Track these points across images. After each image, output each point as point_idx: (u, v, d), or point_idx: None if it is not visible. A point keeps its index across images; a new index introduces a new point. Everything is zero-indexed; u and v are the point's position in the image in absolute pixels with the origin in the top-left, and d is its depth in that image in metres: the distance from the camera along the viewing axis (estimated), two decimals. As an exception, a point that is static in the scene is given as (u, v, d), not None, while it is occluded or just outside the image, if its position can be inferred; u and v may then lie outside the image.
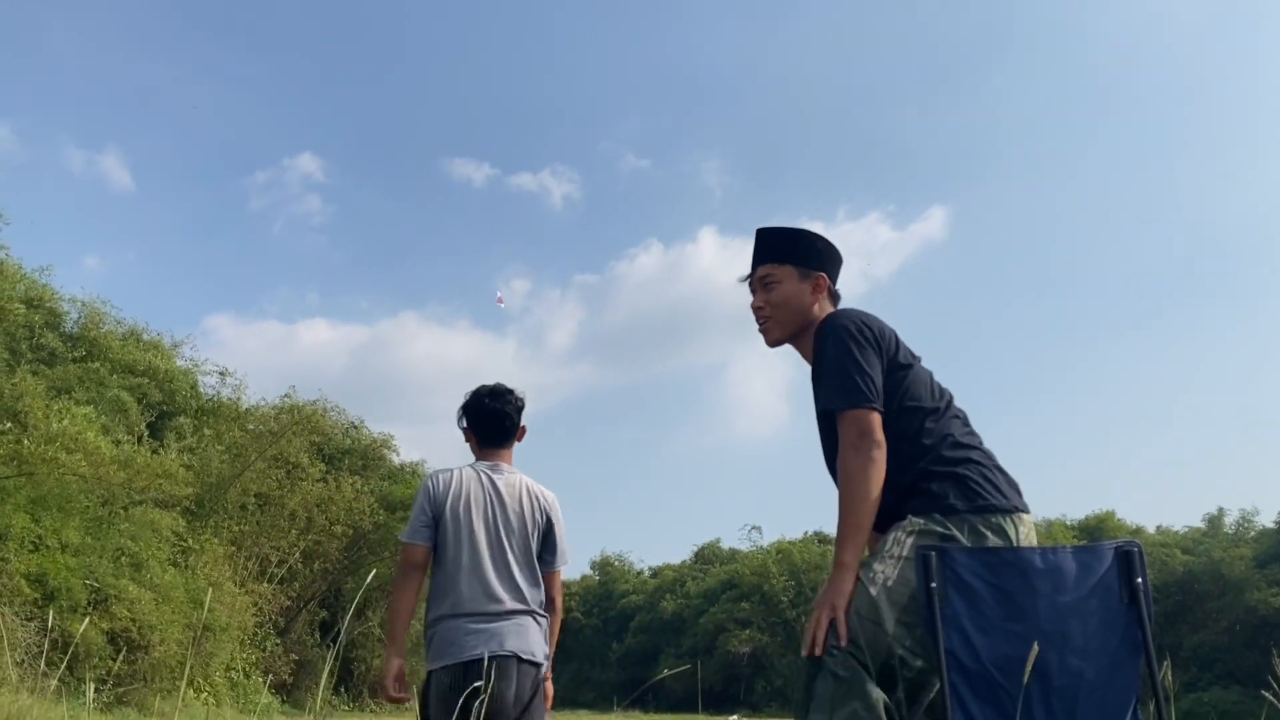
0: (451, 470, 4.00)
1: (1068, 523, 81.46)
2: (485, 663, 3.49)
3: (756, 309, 3.41)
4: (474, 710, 3.33)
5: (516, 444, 4.21)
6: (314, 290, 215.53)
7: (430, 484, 3.97)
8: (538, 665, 3.78)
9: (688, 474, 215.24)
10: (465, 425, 4.22)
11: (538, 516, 3.97)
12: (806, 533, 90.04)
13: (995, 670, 2.31)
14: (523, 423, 4.17)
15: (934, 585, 2.45)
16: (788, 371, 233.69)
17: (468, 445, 4.24)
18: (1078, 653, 2.35)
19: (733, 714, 63.96)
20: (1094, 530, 78.62)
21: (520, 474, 4.08)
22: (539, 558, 3.97)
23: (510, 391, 4.11)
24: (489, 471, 3.98)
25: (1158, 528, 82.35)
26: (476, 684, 3.44)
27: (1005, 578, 2.49)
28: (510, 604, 3.77)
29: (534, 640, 3.80)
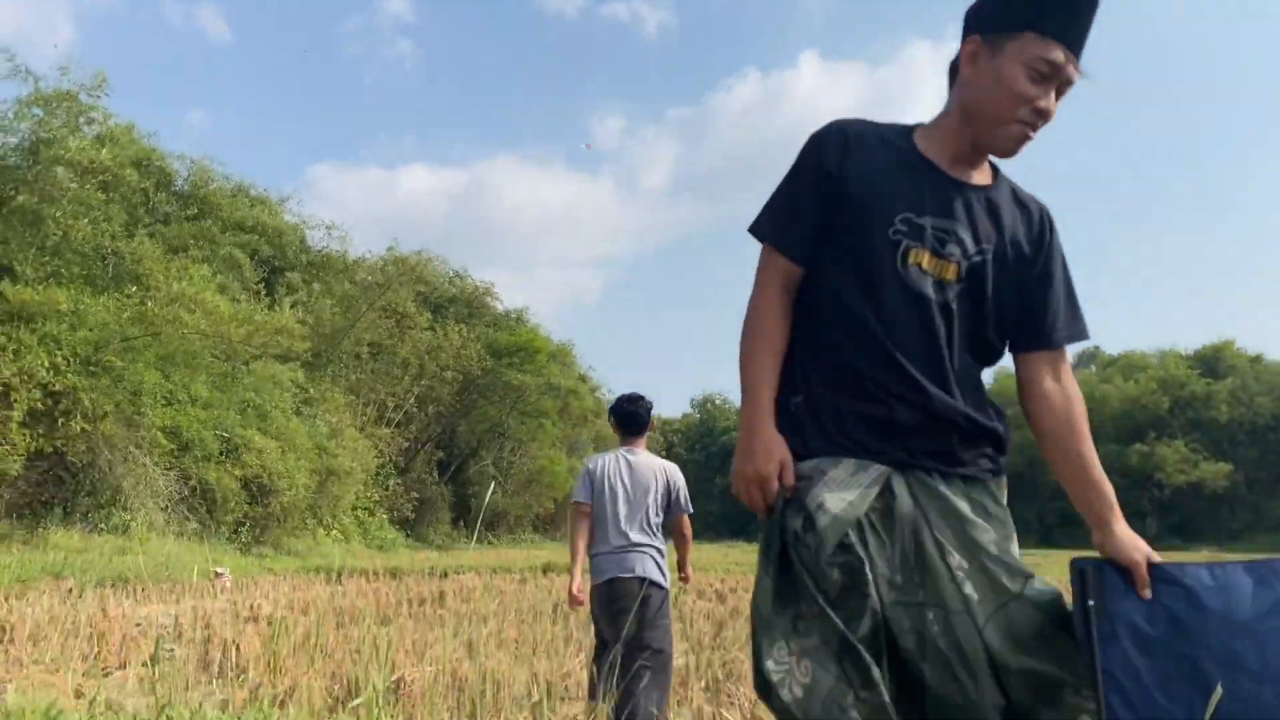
0: (603, 456, 5.55)
1: (1182, 352, 79.35)
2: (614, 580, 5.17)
3: (1043, 115, 2.24)
4: (610, 615, 5.08)
5: (650, 433, 5.79)
6: (411, 134, 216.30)
7: (590, 465, 5.60)
8: (655, 583, 5.17)
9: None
10: (612, 421, 5.85)
11: (660, 483, 5.44)
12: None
13: (1158, 692, 2.16)
14: (654, 413, 5.88)
15: (1091, 603, 2.29)
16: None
17: (613, 430, 5.85)
18: (1252, 676, 2.16)
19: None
20: (1210, 360, 76.43)
21: (652, 455, 5.60)
22: (670, 508, 5.50)
23: (642, 398, 5.70)
24: (627, 455, 5.51)
25: (1282, 354, 79.71)
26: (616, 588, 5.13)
27: (1169, 595, 2.30)
28: (635, 542, 5.20)
29: (650, 567, 5.19)
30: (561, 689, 5.62)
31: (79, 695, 5.83)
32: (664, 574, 5.23)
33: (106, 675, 7.16)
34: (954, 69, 2.31)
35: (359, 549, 35.61)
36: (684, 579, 5.70)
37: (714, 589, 14.97)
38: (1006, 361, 2.68)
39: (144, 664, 7.69)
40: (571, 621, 10.12)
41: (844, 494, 2.14)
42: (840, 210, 2.24)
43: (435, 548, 43.94)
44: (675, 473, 5.56)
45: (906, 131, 2.33)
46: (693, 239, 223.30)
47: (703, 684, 6.19)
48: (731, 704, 5.59)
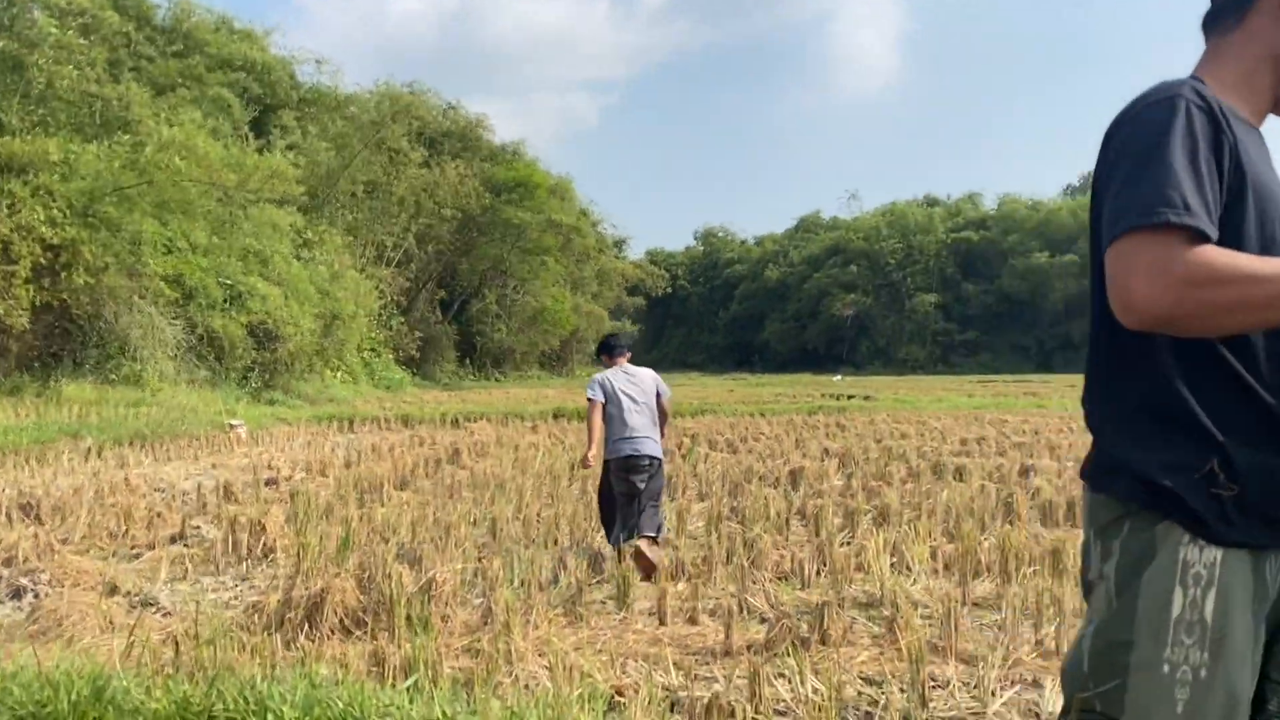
0: (606, 373, 7.09)
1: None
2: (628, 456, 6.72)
3: None
4: (622, 482, 6.69)
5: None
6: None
7: (599, 378, 7.04)
8: (656, 458, 6.79)
9: (790, 138, 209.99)
10: (603, 356, 7.33)
11: (650, 386, 7.08)
12: (914, 197, 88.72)
13: None
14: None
15: None
16: (902, 17, 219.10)
17: (602, 357, 7.39)
18: None
19: (837, 372, 66.64)
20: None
21: (639, 368, 7.22)
22: (657, 398, 7.08)
23: (622, 330, 10.04)
24: (624, 372, 7.11)
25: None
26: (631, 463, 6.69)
27: None
28: (639, 429, 6.79)
29: (652, 447, 6.78)
30: (590, 579, 5.70)
31: (114, 591, 5.93)
32: (660, 449, 6.94)
33: (136, 557, 7.29)
34: (1217, 17, 1.95)
35: (367, 390, 36.07)
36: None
37: (724, 438, 15.15)
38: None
39: (172, 541, 7.84)
40: (589, 485, 10.27)
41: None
42: (1239, 207, 1.77)
43: (442, 386, 44.52)
44: (656, 376, 7.27)
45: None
46: (693, 58, 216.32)
47: (729, 566, 6.28)
48: (756, 588, 5.68)
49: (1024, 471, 10.48)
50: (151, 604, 5.77)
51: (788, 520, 7.81)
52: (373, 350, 41.41)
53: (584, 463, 7.03)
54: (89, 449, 14.45)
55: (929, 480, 10.02)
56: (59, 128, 24.41)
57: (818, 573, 6.13)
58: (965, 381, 47.10)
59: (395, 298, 45.71)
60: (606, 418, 6.81)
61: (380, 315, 41.99)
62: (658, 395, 7.07)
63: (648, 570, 6.07)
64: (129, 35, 31.39)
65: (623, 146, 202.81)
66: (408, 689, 3.29)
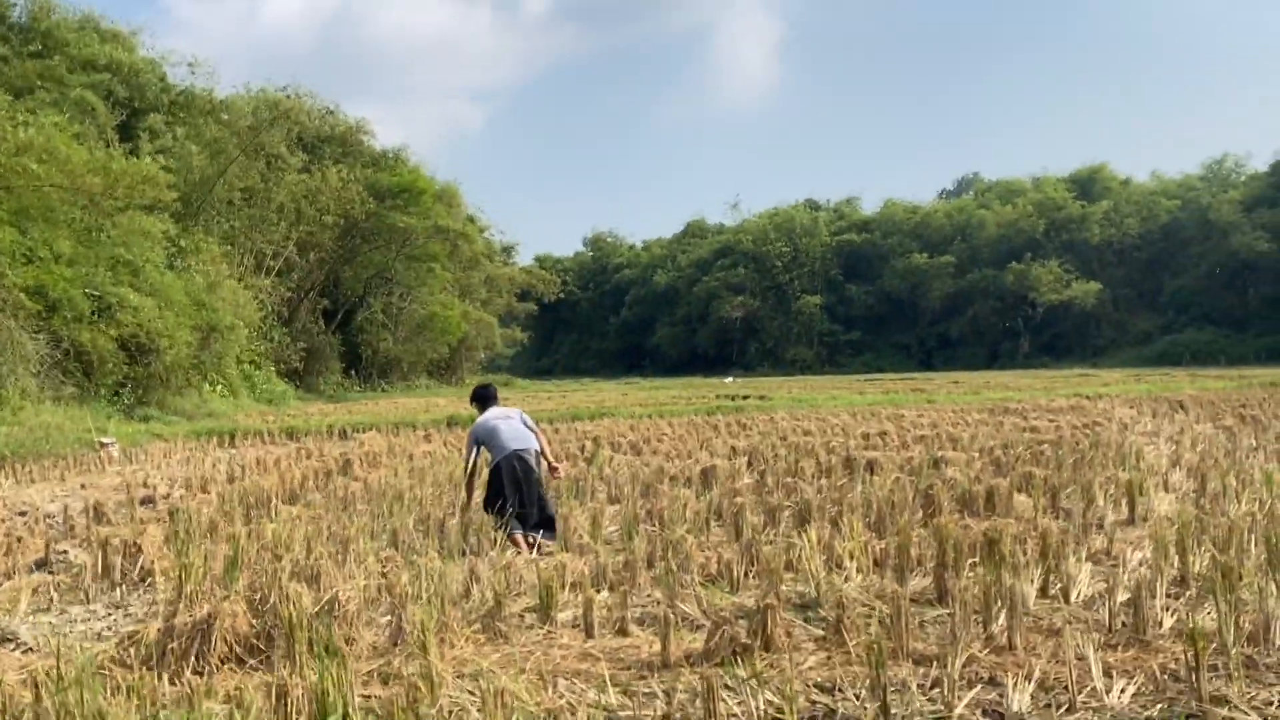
0: (482, 419, 8.14)
1: (1059, 176, 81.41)
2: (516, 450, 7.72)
3: None
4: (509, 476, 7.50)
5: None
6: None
7: (474, 432, 8.08)
8: (541, 452, 7.93)
9: (676, 144, 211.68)
10: (475, 404, 8.60)
11: (523, 420, 8.14)
12: (797, 201, 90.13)
13: None
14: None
15: None
16: (781, 28, 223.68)
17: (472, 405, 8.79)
18: None
19: (728, 374, 67.10)
20: (1086, 183, 78.68)
21: (508, 408, 8.42)
22: (533, 432, 8.07)
23: (490, 384, 9.06)
24: (496, 411, 8.20)
25: (1152, 173, 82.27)
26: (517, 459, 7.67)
27: None
28: (518, 437, 7.81)
29: (531, 444, 7.85)
30: (508, 590, 5.28)
31: (-35, 627, 5.24)
32: (535, 450, 7.88)
33: (-7, 588, 6.55)
34: None
35: (248, 404, 34.55)
36: (553, 471, 8.20)
37: (627, 440, 14.83)
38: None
39: (36, 568, 7.09)
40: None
41: None
42: None
43: (326, 398, 43.05)
44: (525, 414, 8.41)
45: None
46: (579, 67, 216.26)
47: (652, 572, 5.93)
48: (686, 593, 5.35)
49: (936, 463, 10.43)
50: (10, 639, 5.11)
51: (707, 520, 7.52)
52: (253, 363, 39.76)
53: (466, 507, 8.14)
54: (-61, 473, 13.27)
55: (842, 475, 9.88)
56: (-100, 129, 22.66)
57: (746, 574, 5.84)
58: (853, 380, 47.93)
59: (276, 308, 44.07)
60: (491, 442, 7.83)
61: (261, 326, 40.37)
62: (524, 421, 8.21)
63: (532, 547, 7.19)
64: (-23, 33, 29.42)
65: (509, 153, 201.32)
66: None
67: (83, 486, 12.55)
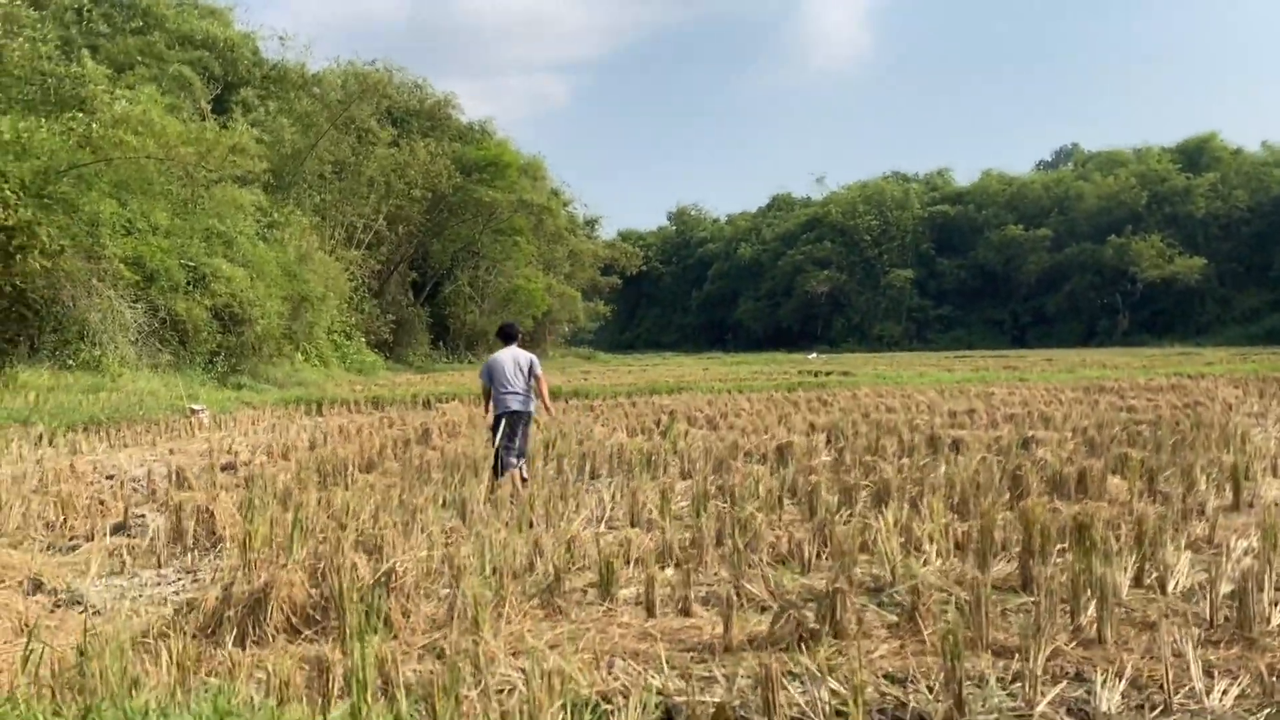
0: (497, 355, 9.44)
1: (1164, 147, 78.14)
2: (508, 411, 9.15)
3: None
4: (504, 429, 9.05)
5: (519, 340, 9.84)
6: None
7: (488, 363, 9.58)
8: (529, 414, 9.32)
9: (762, 117, 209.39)
10: (499, 338, 9.92)
11: (525, 364, 9.37)
12: (886, 173, 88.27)
13: None
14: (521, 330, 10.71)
15: None
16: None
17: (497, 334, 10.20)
18: None
19: (812, 350, 66.23)
20: (1193, 153, 75.32)
21: (521, 350, 9.57)
22: (530, 376, 9.38)
23: (513, 323, 10.18)
24: (504, 353, 9.42)
25: (1263, 143, 78.18)
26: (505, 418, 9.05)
27: None
28: (513, 390, 9.18)
29: (527, 404, 9.24)
30: (569, 564, 5.14)
31: (38, 588, 5.31)
32: (528, 407, 9.32)
33: (73, 549, 6.67)
34: None
35: (338, 373, 35.26)
36: (547, 411, 9.88)
37: (704, 415, 14.61)
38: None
39: (114, 532, 7.21)
40: (565, 464, 9.73)
41: None
42: None
43: (415, 369, 43.72)
44: (534, 359, 9.62)
45: None
46: (666, 38, 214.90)
47: (721, 550, 5.73)
48: (754, 573, 5.14)
49: (1025, 443, 10.00)
50: (78, 602, 5.16)
51: (780, 499, 7.28)
52: (344, 334, 40.56)
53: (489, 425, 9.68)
54: (40, 436, 13.72)
55: (925, 454, 9.53)
56: (9, 105, 23.42)
57: (818, 555, 5.61)
58: (942, 357, 46.82)
59: (367, 280, 44.80)
60: (494, 384, 9.37)
61: (351, 298, 41.09)
62: (530, 370, 9.41)
63: (521, 482, 8.89)
64: (82, 11, 30.30)
65: (594, 127, 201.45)
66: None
67: (170, 452, 12.84)
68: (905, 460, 9.18)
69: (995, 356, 45.01)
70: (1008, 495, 7.33)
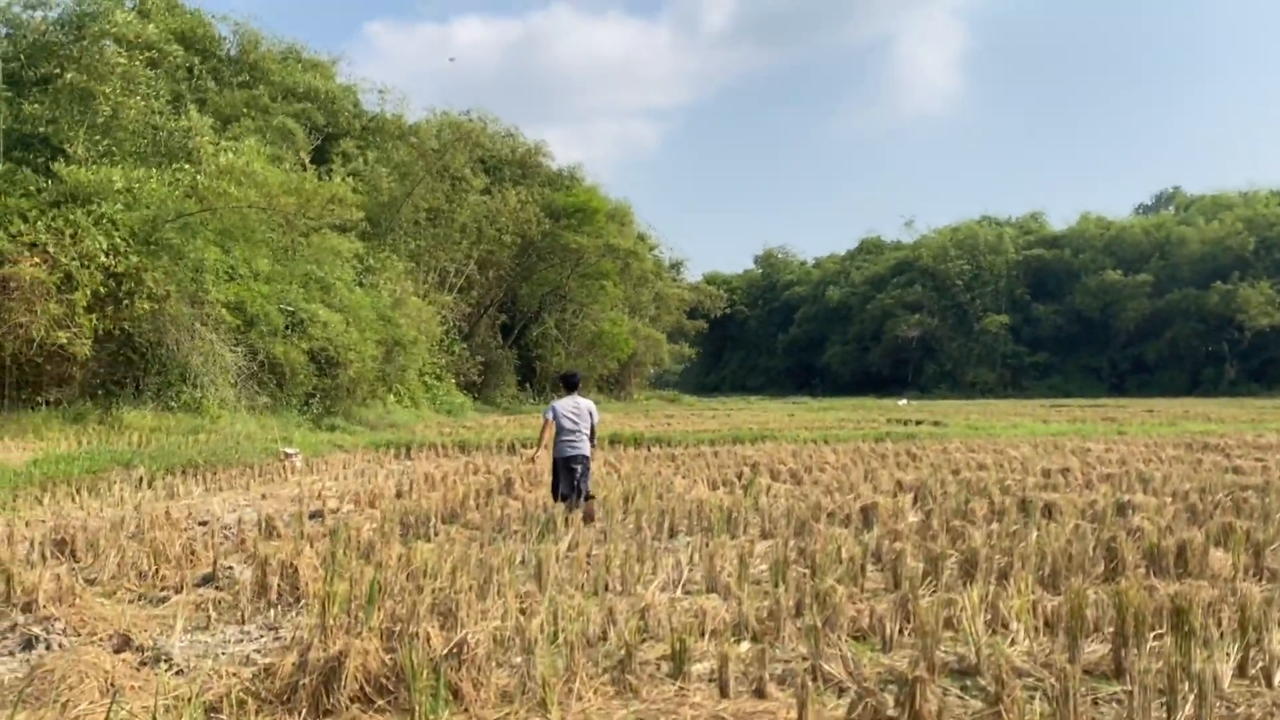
0: (559, 401, 10.45)
1: (1271, 190, 75.39)
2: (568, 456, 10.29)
3: None
4: (564, 473, 10.29)
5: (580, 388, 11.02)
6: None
7: (554, 404, 10.49)
8: (586, 457, 10.27)
9: (850, 160, 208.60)
10: (560, 384, 11.07)
11: (585, 412, 10.38)
12: (976, 216, 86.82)
13: None
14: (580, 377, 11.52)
15: None
16: (965, 38, 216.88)
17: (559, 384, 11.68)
18: None
19: (902, 395, 65.07)
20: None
21: (581, 399, 10.54)
22: (590, 424, 10.43)
23: (575, 372, 11.30)
24: (570, 399, 10.46)
25: None
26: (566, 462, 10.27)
27: None
28: (575, 438, 10.21)
29: (586, 449, 10.29)
30: (640, 636, 5.08)
31: (126, 644, 5.45)
32: (587, 451, 10.39)
33: (163, 600, 6.85)
34: None
35: (428, 414, 35.89)
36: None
37: (787, 468, 14.42)
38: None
39: (202, 583, 7.39)
40: (644, 521, 9.67)
41: None
42: None
43: (502, 410, 44.26)
44: (593, 406, 10.64)
45: None
46: (755, 82, 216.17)
47: (799, 622, 5.60)
48: (831, 651, 5.01)
49: (1121, 509, 9.61)
50: (164, 659, 5.27)
51: (863, 566, 7.10)
52: (435, 375, 41.38)
53: (530, 459, 11.61)
54: (140, 478, 14.22)
55: (1015, 518, 9.21)
56: (123, 157, 24.62)
57: (901, 631, 5.44)
58: (1037, 405, 45.58)
59: (457, 323, 45.71)
60: (556, 430, 10.33)
61: (442, 340, 41.95)
62: (590, 419, 10.49)
63: (589, 515, 9.94)
64: (193, 69, 31.78)
65: (682, 171, 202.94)
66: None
67: (263, 497, 13.16)
68: (995, 525, 8.89)
69: (1093, 405, 43.64)
70: (1102, 567, 7.03)
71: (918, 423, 27.98)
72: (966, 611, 5.25)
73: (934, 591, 6.27)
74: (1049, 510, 9.61)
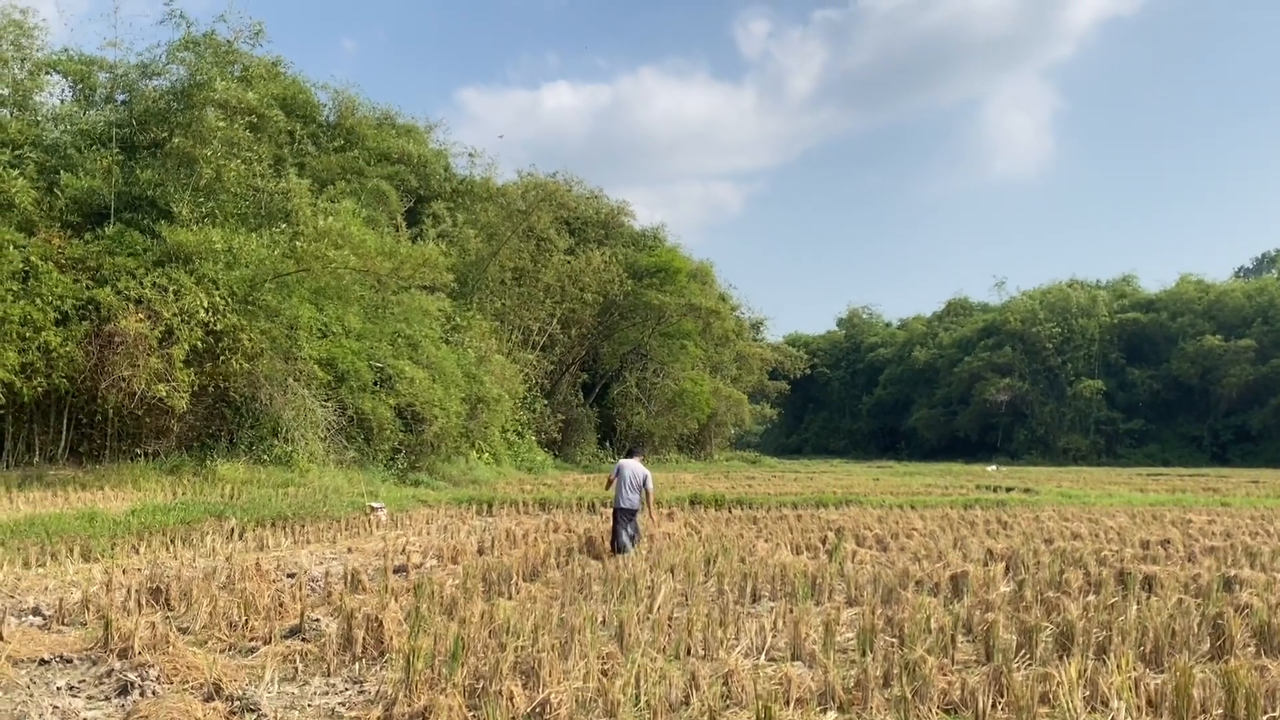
0: (624, 461, 13.58)
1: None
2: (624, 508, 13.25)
3: None
4: (622, 519, 13.30)
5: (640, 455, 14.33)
6: (554, 52, 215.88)
7: (618, 465, 13.55)
8: (637, 511, 13.26)
9: (935, 222, 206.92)
10: (632, 451, 14.43)
11: (639, 475, 13.20)
12: (1065, 279, 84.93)
13: None
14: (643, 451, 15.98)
15: None
16: (1053, 99, 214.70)
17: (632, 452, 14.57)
18: None
19: (991, 461, 63.43)
20: None
21: (638, 463, 13.56)
22: (643, 488, 13.25)
23: (637, 445, 18.97)
24: (630, 462, 13.45)
25: None
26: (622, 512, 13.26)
27: None
28: (629, 493, 13.15)
29: (634, 503, 13.18)
30: (723, 703, 4.98)
31: (216, 693, 5.55)
32: (638, 503, 13.10)
33: (252, 650, 6.97)
34: None
35: (510, 471, 36.18)
36: (650, 517, 13.99)
37: (873, 534, 14.13)
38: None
39: (290, 634, 7.50)
40: (726, 585, 9.56)
41: None
42: None
43: (582, 468, 44.38)
44: (648, 472, 13.32)
45: None
46: (839, 146, 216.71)
47: (887, 693, 5.44)
48: (920, 724, 4.84)
49: (1228, 583, 9.17)
50: (253, 709, 5.35)
51: (953, 637, 6.88)
52: (517, 432, 41.77)
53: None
54: (232, 530, 14.57)
55: (1114, 591, 8.86)
56: (224, 219, 25.62)
57: (994, 706, 5.24)
58: (1134, 474, 44.00)
59: (539, 380, 46.18)
60: (617, 484, 13.23)
61: (525, 398, 42.39)
62: (643, 480, 13.16)
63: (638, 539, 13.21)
64: (293, 133, 33.05)
65: (765, 233, 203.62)
66: None
67: (349, 550, 13.36)
68: (1091, 598, 8.56)
69: (1193, 475, 41.94)
70: (1207, 645, 6.71)
71: (1008, 489, 27.24)
72: (1064, 687, 5.05)
73: (1029, 665, 6.04)
74: (1149, 583, 9.23)
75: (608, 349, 52.76)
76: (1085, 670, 5.50)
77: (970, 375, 78.18)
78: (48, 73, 26.90)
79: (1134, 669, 5.61)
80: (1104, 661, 5.92)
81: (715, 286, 59.67)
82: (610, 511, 13.76)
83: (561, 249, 46.56)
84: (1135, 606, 7.79)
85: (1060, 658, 6.10)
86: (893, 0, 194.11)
